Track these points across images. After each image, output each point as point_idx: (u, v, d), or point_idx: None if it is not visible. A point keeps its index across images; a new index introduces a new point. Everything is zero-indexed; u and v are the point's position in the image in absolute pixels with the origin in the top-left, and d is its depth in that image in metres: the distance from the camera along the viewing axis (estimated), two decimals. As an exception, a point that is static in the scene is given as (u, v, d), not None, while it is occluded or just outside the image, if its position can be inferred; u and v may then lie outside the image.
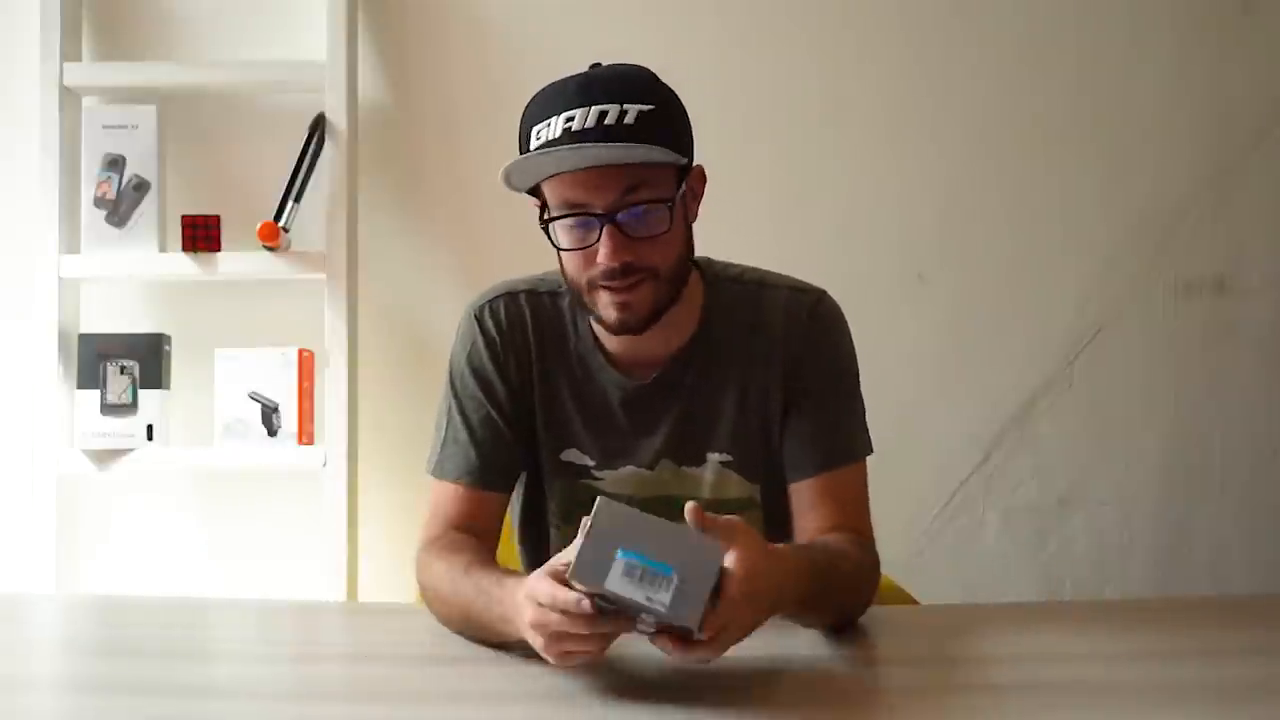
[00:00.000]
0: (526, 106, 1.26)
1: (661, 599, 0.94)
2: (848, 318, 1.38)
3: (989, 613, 1.43)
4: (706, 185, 1.33)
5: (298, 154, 2.05)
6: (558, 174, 1.21)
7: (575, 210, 1.22)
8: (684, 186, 1.27)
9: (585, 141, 1.18)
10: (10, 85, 2.15)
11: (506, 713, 1.02)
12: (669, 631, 0.98)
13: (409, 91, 2.20)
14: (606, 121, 1.19)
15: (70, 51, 2.10)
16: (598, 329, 1.35)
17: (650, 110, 1.21)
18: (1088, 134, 2.22)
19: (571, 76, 1.25)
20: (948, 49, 2.21)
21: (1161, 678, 1.10)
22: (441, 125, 2.19)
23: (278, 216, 2.02)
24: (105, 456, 2.03)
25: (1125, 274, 2.22)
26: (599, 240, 1.21)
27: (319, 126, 2.07)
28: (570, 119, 1.20)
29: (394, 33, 2.20)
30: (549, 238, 1.26)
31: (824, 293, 1.38)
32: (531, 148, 1.21)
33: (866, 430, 1.37)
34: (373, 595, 2.08)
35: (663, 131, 1.22)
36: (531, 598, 1.02)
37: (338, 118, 2.06)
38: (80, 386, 2.05)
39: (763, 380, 1.34)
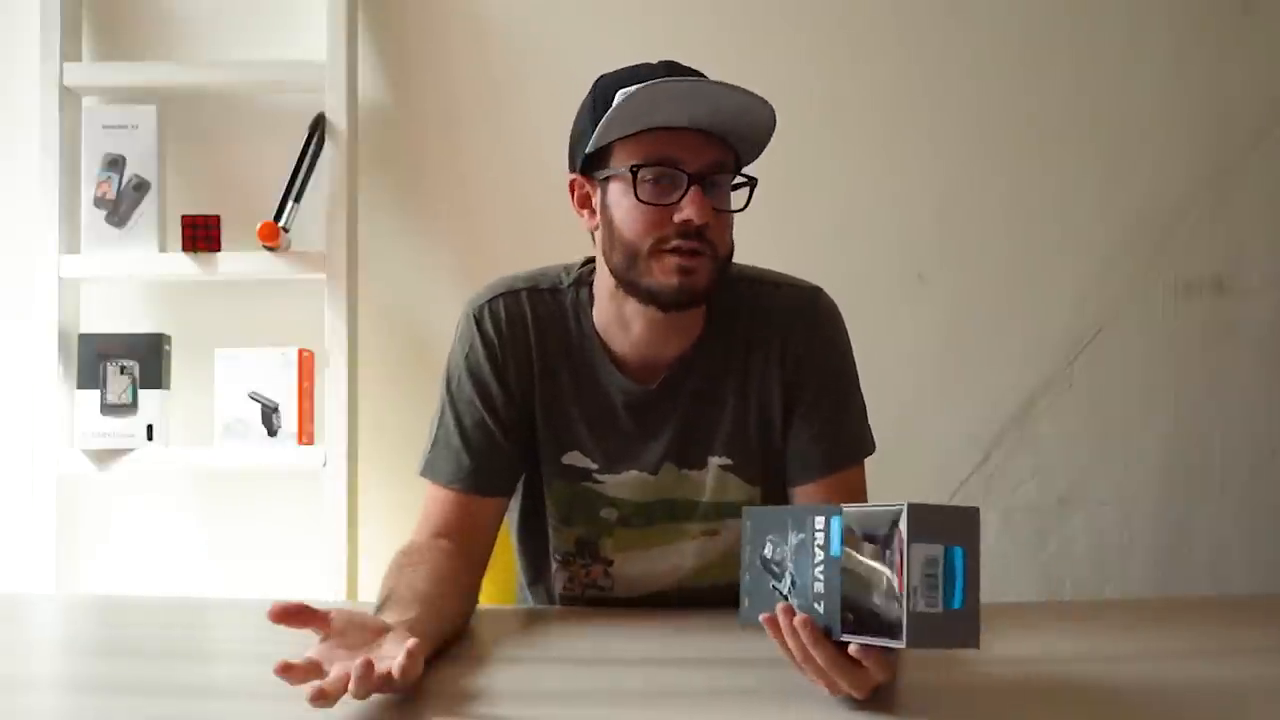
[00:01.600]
0: (596, 85, 1.27)
1: (923, 602, 0.87)
2: (847, 318, 1.38)
3: (989, 613, 1.42)
4: None
5: (298, 154, 2.05)
6: (649, 131, 1.21)
7: (665, 164, 1.21)
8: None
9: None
10: (10, 85, 2.15)
11: (506, 713, 1.02)
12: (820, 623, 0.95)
13: (409, 91, 2.20)
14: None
15: (70, 51, 2.10)
16: (603, 329, 1.34)
17: None
18: (1086, 134, 2.22)
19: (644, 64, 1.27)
20: (945, 49, 2.22)
21: (1161, 678, 1.10)
22: (442, 125, 2.19)
23: (278, 216, 2.02)
24: (105, 456, 2.03)
25: (1124, 274, 2.22)
26: (682, 199, 1.21)
27: (319, 126, 2.07)
28: (672, 80, 1.21)
29: (394, 32, 2.20)
30: (629, 189, 1.22)
31: (820, 289, 1.37)
32: (617, 104, 1.20)
33: (868, 427, 1.37)
34: (373, 595, 2.07)
35: None
36: None
37: (338, 118, 2.06)
38: (80, 386, 2.05)
39: (762, 380, 1.34)
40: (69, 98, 2.10)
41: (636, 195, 1.22)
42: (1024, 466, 2.22)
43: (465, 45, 2.20)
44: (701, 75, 1.26)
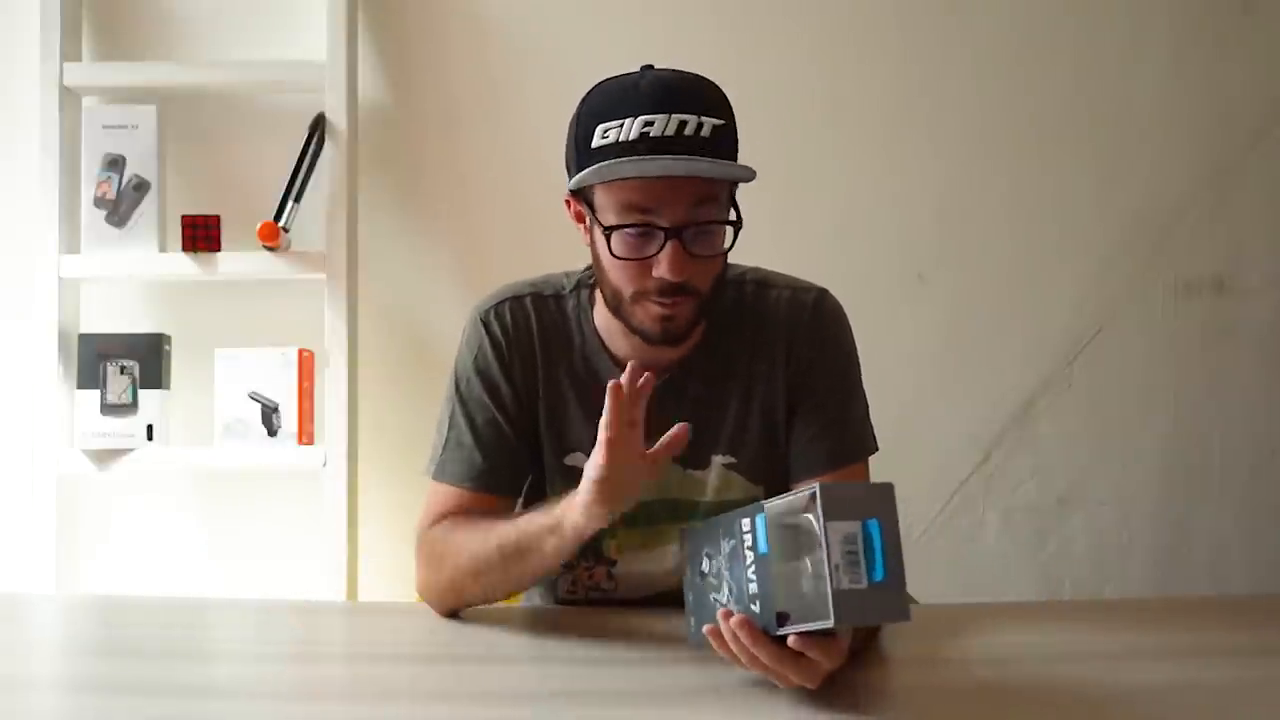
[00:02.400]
0: (585, 100, 1.24)
1: (846, 579, 0.89)
2: (848, 318, 1.38)
3: (989, 613, 1.43)
4: None
5: (298, 154, 2.05)
6: (630, 179, 1.18)
7: (640, 220, 1.19)
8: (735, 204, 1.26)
9: (668, 151, 1.16)
10: (10, 85, 2.15)
11: (506, 713, 1.02)
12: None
13: (409, 91, 2.20)
14: (686, 131, 1.17)
15: (70, 51, 2.10)
16: (604, 330, 1.35)
17: (723, 125, 1.21)
18: (1086, 134, 2.22)
19: (637, 76, 1.23)
20: (946, 49, 2.21)
21: (1161, 678, 1.10)
22: (442, 125, 2.19)
23: (278, 216, 2.02)
24: (105, 456, 2.03)
25: (1124, 274, 2.22)
26: (659, 253, 1.20)
27: (319, 126, 2.07)
28: (649, 124, 1.17)
29: (394, 33, 2.20)
30: (600, 242, 1.23)
31: (825, 291, 1.38)
32: (596, 145, 1.19)
33: (871, 427, 1.38)
34: (373, 595, 2.08)
35: (733, 147, 1.22)
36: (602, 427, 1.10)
37: (338, 118, 2.06)
38: (80, 386, 2.04)
39: (767, 381, 1.34)
40: (69, 98, 2.10)
41: (612, 251, 1.21)
42: (1024, 466, 2.22)
43: (465, 45, 2.20)
44: (693, 93, 1.21)
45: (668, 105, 1.18)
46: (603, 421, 1.10)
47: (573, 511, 1.16)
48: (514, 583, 1.27)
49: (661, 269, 1.20)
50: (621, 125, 1.18)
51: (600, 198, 1.22)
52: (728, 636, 0.97)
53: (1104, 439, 2.23)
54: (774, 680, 0.98)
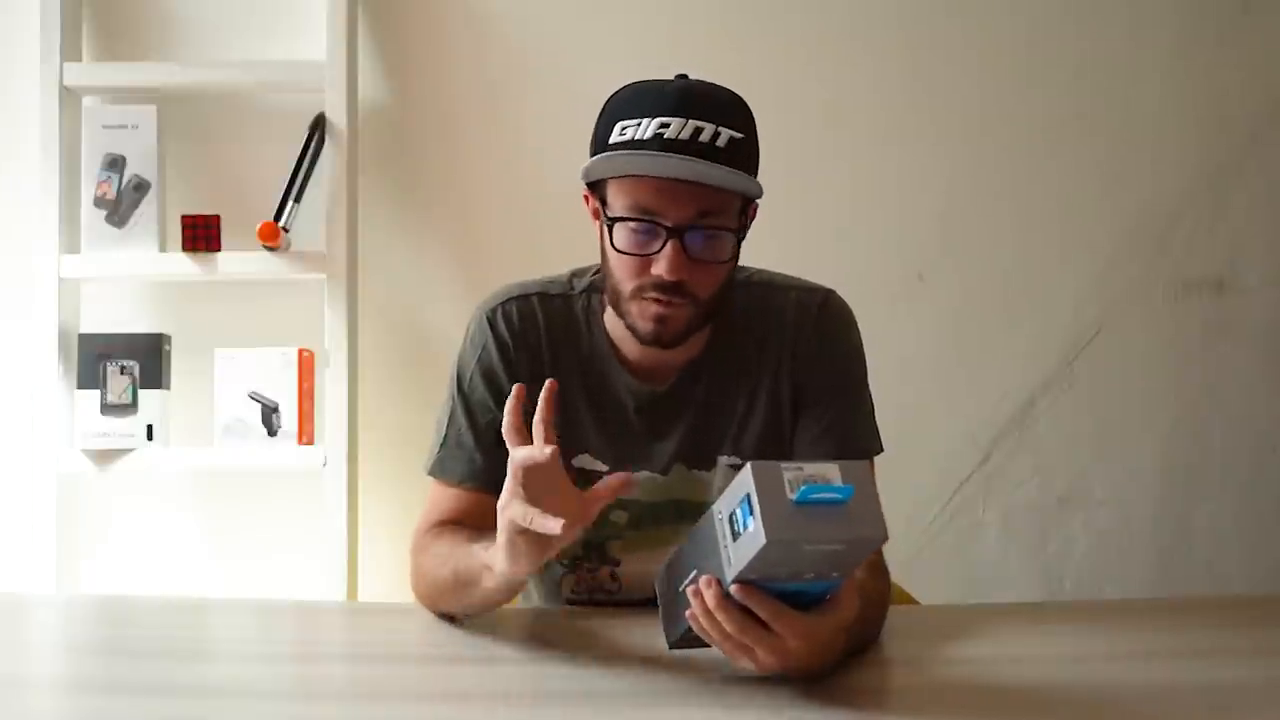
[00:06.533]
0: (612, 97, 1.26)
1: (843, 534, 0.93)
2: (855, 319, 1.39)
3: (989, 613, 1.43)
4: None
5: (298, 154, 2.05)
6: (636, 176, 1.21)
7: (645, 217, 1.21)
8: (748, 220, 1.28)
9: (680, 153, 1.18)
10: (10, 85, 2.15)
11: (506, 713, 1.03)
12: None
13: (409, 91, 2.20)
14: (701, 138, 1.19)
15: (70, 51, 2.10)
16: (613, 333, 1.35)
17: (742, 139, 1.22)
18: (1087, 134, 2.22)
19: (667, 81, 1.25)
20: (947, 50, 2.22)
21: (1161, 678, 1.10)
22: (441, 125, 2.19)
23: (278, 216, 2.02)
24: (105, 456, 2.03)
25: (1125, 274, 2.22)
26: (660, 252, 1.21)
27: (319, 126, 2.07)
28: (665, 125, 1.19)
29: (394, 33, 2.20)
30: (605, 236, 1.25)
31: (831, 291, 1.39)
32: (612, 141, 1.21)
33: (876, 429, 1.38)
34: (373, 595, 2.08)
35: (749, 161, 1.23)
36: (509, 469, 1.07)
37: (338, 118, 2.06)
38: (80, 386, 2.04)
39: (773, 381, 1.35)
40: (69, 98, 2.10)
41: (614, 244, 1.23)
42: (1024, 466, 2.22)
43: (465, 45, 2.20)
44: (716, 103, 1.23)
45: (686, 110, 1.20)
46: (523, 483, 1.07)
47: (497, 557, 1.11)
48: (478, 607, 1.25)
49: (659, 267, 1.21)
50: (639, 124, 1.20)
51: (612, 194, 1.24)
52: (692, 596, 0.97)
53: (1104, 439, 2.22)
54: (742, 659, 0.98)
